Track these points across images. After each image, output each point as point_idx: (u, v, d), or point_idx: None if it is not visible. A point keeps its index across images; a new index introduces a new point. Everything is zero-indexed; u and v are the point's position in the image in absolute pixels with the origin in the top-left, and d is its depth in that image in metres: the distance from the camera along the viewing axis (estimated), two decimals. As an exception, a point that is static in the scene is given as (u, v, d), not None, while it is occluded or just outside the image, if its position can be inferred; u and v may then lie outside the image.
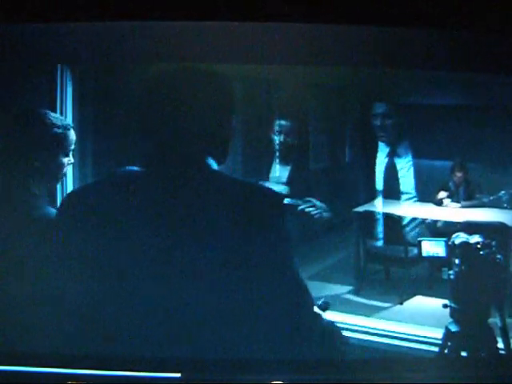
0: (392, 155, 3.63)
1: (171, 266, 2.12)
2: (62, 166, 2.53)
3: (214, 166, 2.16)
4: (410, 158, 3.65)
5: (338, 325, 2.55)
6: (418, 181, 3.61)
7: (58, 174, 2.55)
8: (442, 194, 3.50)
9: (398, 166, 3.63)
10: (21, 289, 2.25)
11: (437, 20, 2.17)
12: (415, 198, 3.62)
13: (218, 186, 2.18)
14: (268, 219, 2.16)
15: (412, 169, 3.63)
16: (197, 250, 2.12)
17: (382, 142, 3.64)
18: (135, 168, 2.19)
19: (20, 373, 2.21)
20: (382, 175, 3.61)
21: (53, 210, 2.43)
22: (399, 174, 3.62)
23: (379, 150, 3.61)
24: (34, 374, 2.21)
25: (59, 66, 2.71)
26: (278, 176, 3.37)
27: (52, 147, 2.49)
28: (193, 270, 2.12)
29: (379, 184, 3.59)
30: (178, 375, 2.20)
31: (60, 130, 2.49)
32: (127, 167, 2.21)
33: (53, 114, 2.54)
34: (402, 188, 3.62)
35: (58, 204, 2.53)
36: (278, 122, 3.31)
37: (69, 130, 2.53)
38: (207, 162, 2.15)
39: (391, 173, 3.62)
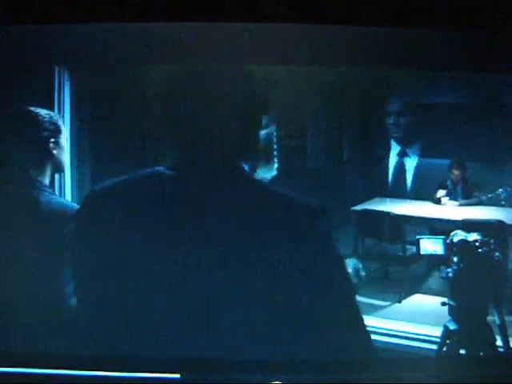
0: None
1: (174, 269, 2.11)
2: (60, 151, 2.57)
3: (248, 171, 2.15)
4: (404, 157, 3.65)
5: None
6: (415, 179, 3.61)
7: (58, 160, 2.58)
8: (440, 193, 3.50)
9: (393, 165, 3.63)
10: (22, 288, 2.25)
11: (437, 20, 2.17)
12: (413, 197, 3.62)
13: (255, 193, 2.16)
14: (311, 234, 2.14)
15: (407, 167, 3.63)
16: (224, 256, 2.11)
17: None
18: (163, 169, 2.16)
19: (19, 374, 2.21)
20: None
21: (59, 199, 2.45)
22: (395, 173, 3.62)
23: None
24: (33, 375, 2.21)
25: (57, 67, 2.71)
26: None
27: (49, 134, 2.53)
28: (209, 274, 2.11)
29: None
30: (177, 376, 2.20)
31: (55, 118, 2.54)
32: (155, 168, 2.19)
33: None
34: (400, 186, 3.62)
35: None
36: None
37: (60, 118, 2.58)
38: (241, 166, 2.14)
39: (388, 171, 3.62)
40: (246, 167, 2.15)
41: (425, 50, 2.29)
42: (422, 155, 3.58)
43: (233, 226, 2.11)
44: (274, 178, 3.34)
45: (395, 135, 3.53)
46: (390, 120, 3.49)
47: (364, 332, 2.31)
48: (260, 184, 2.23)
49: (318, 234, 2.15)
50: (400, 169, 3.60)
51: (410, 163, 3.59)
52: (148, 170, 2.20)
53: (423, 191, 3.55)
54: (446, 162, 3.43)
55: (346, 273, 2.21)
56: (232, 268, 2.10)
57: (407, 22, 2.15)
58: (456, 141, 3.30)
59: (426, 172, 3.57)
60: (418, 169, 3.57)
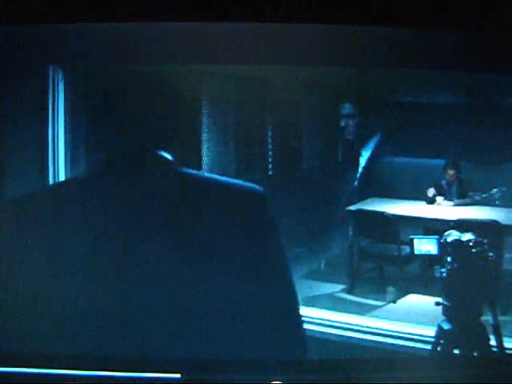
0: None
1: (170, 269, 2.11)
2: None
3: (180, 164, 2.13)
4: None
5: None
6: (411, 179, 3.62)
7: None
8: (435, 192, 3.52)
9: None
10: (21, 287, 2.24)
11: (437, 20, 2.18)
12: (408, 197, 3.64)
13: (186, 182, 2.15)
14: (251, 218, 2.13)
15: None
16: (185, 252, 2.10)
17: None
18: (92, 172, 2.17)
19: (19, 374, 2.20)
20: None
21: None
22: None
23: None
24: (34, 374, 2.20)
25: (51, 66, 2.70)
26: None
27: None
28: (185, 272, 2.10)
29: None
30: (178, 376, 2.19)
31: None
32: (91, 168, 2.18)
33: None
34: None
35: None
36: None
37: None
38: (165, 157, 2.12)
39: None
40: (171, 158, 2.12)
41: (425, 49, 2.29)
42: (417, 155, 3.60)
43: (165, 216, 2.11)
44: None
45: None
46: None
47: (299, 324, 2.28)
48: (191, 173, 2.20)
49: (258, 218, 2.14)
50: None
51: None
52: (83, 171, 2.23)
53: (418, 191, 3.56)
54: (441, 162, 3.45)
55: (286, 259, 2.17)
56: (168, 261, 2.10)
57: (407, 22, 2.15)
58: (451, 141, 3.31)
59: (421, 172, 3.58)
60: (413, 169, 3.58)
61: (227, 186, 2.21)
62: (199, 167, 3.20)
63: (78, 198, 2.17)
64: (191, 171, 2.17)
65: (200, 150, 3.19)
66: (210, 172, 3.25)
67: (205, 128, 3.20)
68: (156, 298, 2.12)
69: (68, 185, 2.33)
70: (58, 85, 2.74)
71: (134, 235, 2.11)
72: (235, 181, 2.26)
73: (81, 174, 2.32)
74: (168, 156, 2.09)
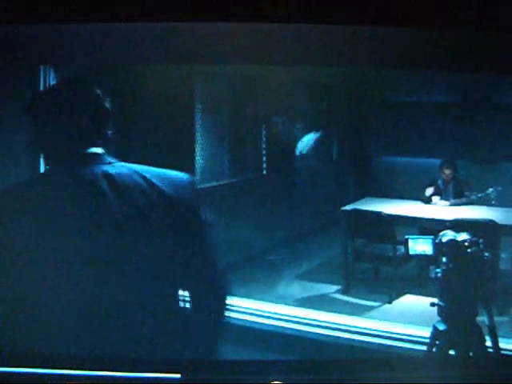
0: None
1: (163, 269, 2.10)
2: None
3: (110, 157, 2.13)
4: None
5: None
6: (406, 179, 3.63)
7: None
8: (431, 192, 3.52)
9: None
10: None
11: (433, 19, 2.17)
12: (404, 196, 3.64)
13: (124, 176, 2.14)
14: (184, 205, 2.13)
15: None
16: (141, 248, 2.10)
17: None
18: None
19: (19, 374, 2.19)
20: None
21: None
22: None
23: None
24: (35, 374, 2.18)
25: (42, 66, 2.69)
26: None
27: None
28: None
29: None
30: (178, 376, 2.18)
31: None
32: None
33: None
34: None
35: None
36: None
37: None
38: (94, 153, 2.12)
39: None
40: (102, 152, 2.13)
41: (425, 49, 2.29)
42: (413, 155, 3.60)
43: (105, 210, 2.11)
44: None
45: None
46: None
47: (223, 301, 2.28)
48: (120, 165, 2.20)
49: (187, 202, 2.14)
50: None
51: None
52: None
53: (415, 191, 3.56)
54: (437, 161, 3.45)
55: (214, 241, 2.19)
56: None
57: (407, 22, 2.15)
58: (448, 140, 3.32)
59: (417, 172, 3.59)
60: (409, 168, 3.59)
61: (157, 174, 2.21)
62: (192, 167, 3.20)
63: (25, 197, 2.17)
64: (123, 163, 2.16)
65: (194, 149, 3.19)
66: (205, 171, 3.25)
67: (199, 128, 3.20)
68: (155, 298, 2.11)
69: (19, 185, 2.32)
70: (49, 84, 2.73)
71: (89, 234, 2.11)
72: (164, 170, 2.25)
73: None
74: (98, 150, 2.09)
